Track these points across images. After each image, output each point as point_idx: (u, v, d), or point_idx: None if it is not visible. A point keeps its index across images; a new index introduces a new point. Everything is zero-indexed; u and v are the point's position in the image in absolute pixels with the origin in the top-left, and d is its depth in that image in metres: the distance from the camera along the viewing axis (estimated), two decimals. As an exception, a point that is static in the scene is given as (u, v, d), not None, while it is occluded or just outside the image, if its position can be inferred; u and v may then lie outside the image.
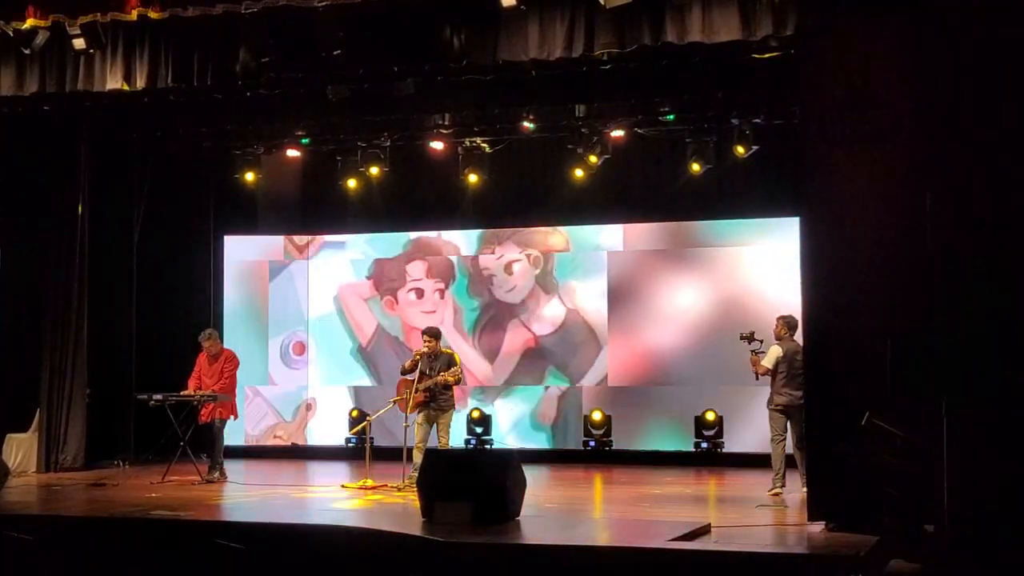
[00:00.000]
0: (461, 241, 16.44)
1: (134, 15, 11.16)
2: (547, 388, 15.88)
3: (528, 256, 16.05)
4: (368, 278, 16.67)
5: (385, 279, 16.57)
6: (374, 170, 15.48)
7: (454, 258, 16.36)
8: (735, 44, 10.42)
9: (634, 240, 15.91)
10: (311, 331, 16.57)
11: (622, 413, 15.63)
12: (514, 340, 16.07)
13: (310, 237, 16.90)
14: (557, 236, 16.10)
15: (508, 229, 16.21)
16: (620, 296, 15.76)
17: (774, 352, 11.54)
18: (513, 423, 16.06)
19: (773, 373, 11.49)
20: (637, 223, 15.92)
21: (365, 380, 16.46)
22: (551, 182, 15.87)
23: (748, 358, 11.64)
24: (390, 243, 16.68)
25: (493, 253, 16.21)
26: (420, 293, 16.44)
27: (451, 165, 15.64)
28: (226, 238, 16.91)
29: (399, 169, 15.84)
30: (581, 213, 15.95)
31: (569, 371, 15.92)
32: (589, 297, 15.92)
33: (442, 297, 16.38)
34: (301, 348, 16.45)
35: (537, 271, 16.02)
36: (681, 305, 15.39)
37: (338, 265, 16.81)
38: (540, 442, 15.96)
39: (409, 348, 15.98)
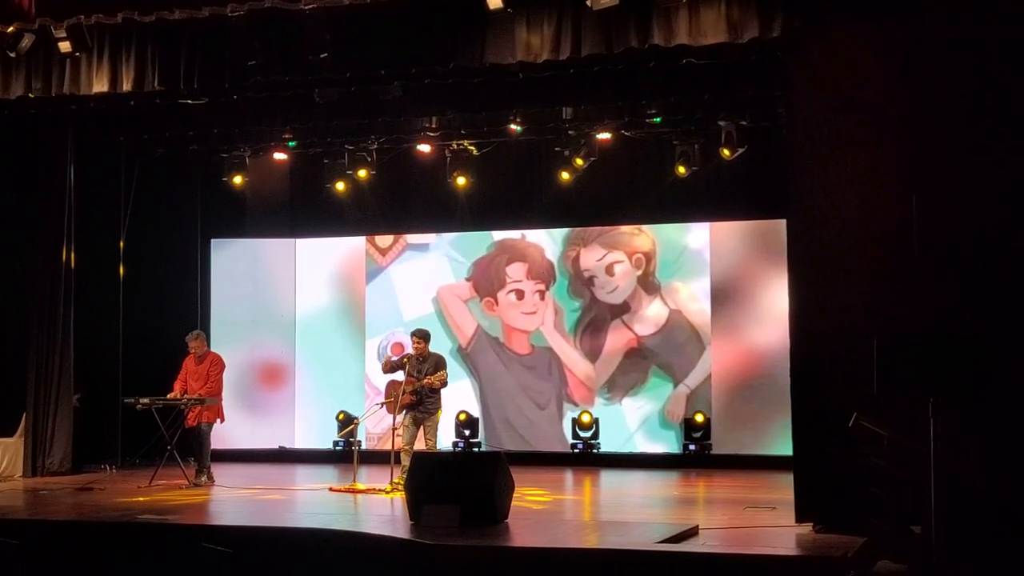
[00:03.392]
0: (546, 240, 16.31)
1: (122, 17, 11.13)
2: (676, 385, 15.63)
3: (631, 257, 15.92)
4: (467, 279, 16.58)
5: (483, 280, 16.51)
6: (361, 173, 15.51)
7: (554, 259, 16.25)
8: (722, 46, 10.44)
9: (723, 239, 15.69)
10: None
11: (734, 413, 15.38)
12: (616, 340, 15.94)
13: (392, 239, 16.84)
14: (643, 237, 15.94)
15: (595, 230, 16.06)
16: (723, 296, 15.53)
17: None
18: (642, 421, 15.78)
19: None
20: (610, 226, 15.99)
21: (465, 380, 16.32)
22: (540, 184, 15.92)
23: None
24: (478, 243, 16.56)
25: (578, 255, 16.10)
26: (520, 294, 16.37)
27: (439, 167, 15.66)
28: (301, 242, 17.00)
29: (386, 172, 15.88)
30: (573, 215, 16.00)
31: (672, 370, 15.70)
32: (692, 297, 15.70)
33: (542, 298, 16.29)
34: (400, 348, 16.08)
35: (639, 272, 15.91)
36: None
37: (426, 266, 16.74)
38: (670, 442, 15.60)
39: (509, 349, 16.22)
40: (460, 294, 16.61)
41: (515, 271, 16.44)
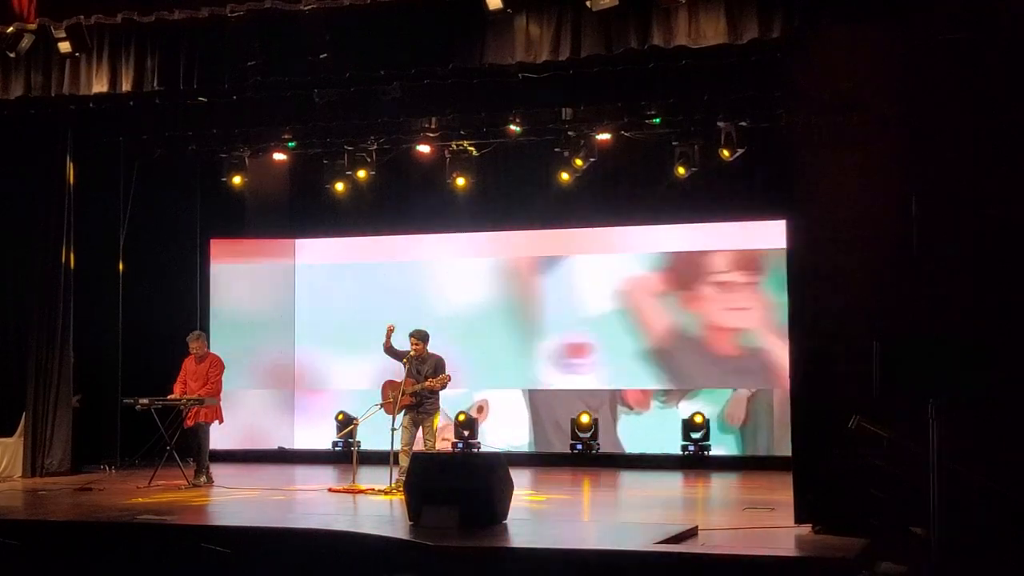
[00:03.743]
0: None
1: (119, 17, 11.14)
2: (736, 389, 15.00)
3: None
4: (660, 271, 15.58)
5: (680, 274, 15.45)
6: (361, 173, 15.50)
7: (767, 248, 14.63)
8: (721, 47, 10.43)
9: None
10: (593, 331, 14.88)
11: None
12: None
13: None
14: None
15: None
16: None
17: None
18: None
19: None
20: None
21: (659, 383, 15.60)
22: (539, 185, 15.90)
23: None
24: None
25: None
26: (726, 287, 15.17)
27: (438, 168, 15.66)
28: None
29: (386, 172, 15.87)
30: (569, 215, 15.96)
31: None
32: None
33: (754, 292, 15.12)
34: (580, 350, 15.18)
35: None
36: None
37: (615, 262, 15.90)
38: (729, 445, 15.21)
39: (710, 350, 15.31)
40: (651, 288, 15.61)
41: (719, 260, 15.24)
